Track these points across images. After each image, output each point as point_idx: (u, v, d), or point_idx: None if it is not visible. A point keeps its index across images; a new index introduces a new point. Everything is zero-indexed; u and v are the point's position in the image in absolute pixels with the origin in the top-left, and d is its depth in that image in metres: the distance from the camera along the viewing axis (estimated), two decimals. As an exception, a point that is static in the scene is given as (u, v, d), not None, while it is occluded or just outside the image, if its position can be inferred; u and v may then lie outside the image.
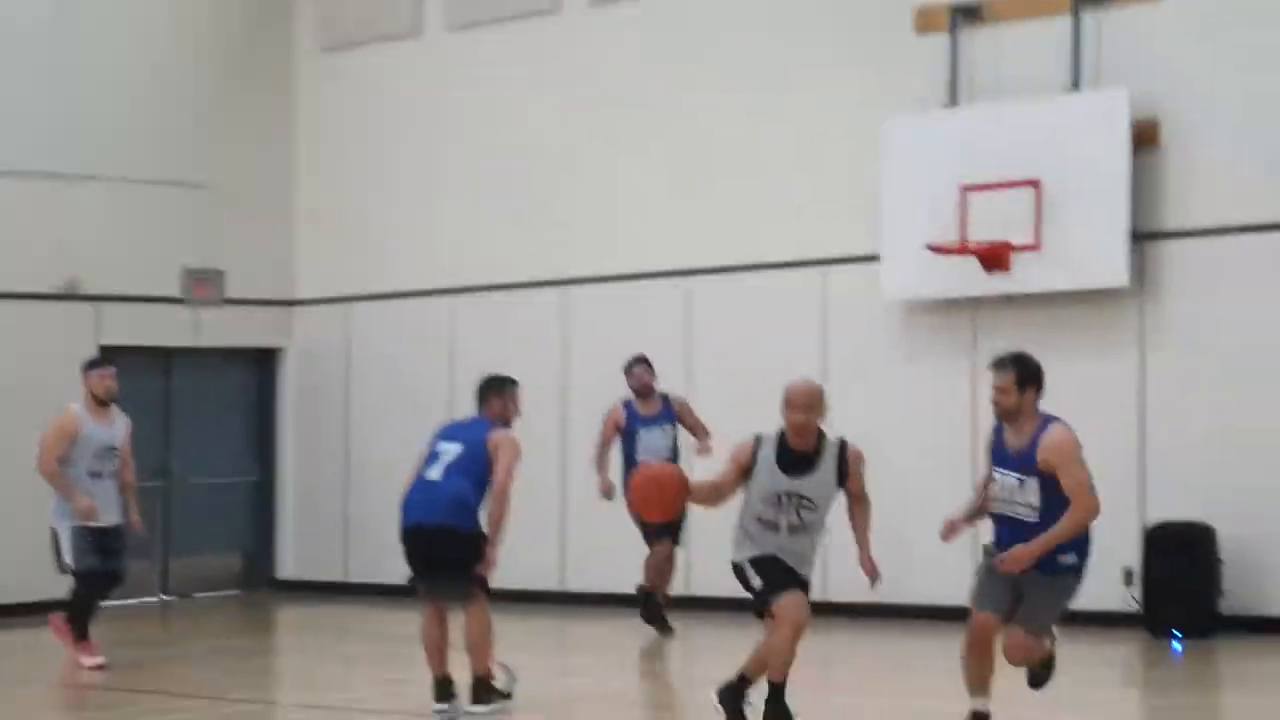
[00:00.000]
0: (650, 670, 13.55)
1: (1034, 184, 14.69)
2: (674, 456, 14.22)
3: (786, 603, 8.95)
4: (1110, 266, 14.35)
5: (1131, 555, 14.24)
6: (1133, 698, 11.88)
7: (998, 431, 9.12)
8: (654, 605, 14.61)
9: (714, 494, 9.23)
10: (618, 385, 16.88)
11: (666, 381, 16.73)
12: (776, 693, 9.05)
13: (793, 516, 9.05)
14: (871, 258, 15.56)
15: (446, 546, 10.86)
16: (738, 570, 9.20)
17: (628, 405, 14.64)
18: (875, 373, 15.66)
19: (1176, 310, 14.38)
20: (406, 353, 18.71)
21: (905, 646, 14.19)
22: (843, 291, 15.93)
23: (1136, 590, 14.02)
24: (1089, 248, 14.43)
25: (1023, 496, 8.90)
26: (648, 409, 14.55)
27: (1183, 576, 13.61)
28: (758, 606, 9.12)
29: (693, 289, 16.82)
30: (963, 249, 14.84)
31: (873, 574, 9.30)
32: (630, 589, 15.59)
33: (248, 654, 15.36)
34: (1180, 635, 13.76)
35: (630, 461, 14.39)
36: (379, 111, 19.12)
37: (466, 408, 17.20)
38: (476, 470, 10.88)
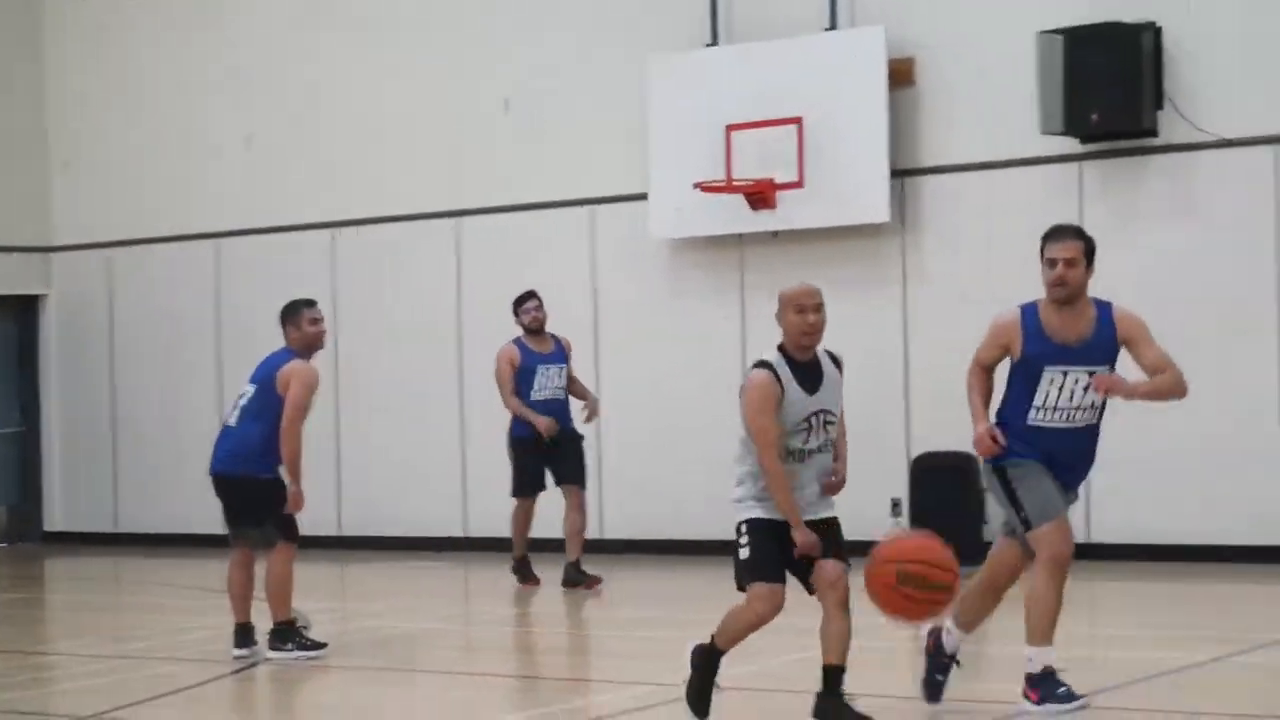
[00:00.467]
0: (442, 612, 13.69)
1: (796, 122, 15.00)
2: (566, 396, 13.91)
3: (760, 597, 7.92)
4: (872, 202, 14.73)
5: (899, 486, 14.71)
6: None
7: (1032, 326, 7.98)
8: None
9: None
10: (390, 328, 17.02)
11: (436, 323, 16.89)
12: (710, 651, 8.19)
13: (820, 437, 8.03)
14: (640, 197, 15.78)
15: (238, 495, 10.90)
16: (736, 530, 8.09)
17: (519, 343, 13.90)
18: (646, 311, 15.91)
19: (935, 244, 14.82)
20: (170, 298, 18.53)
21: (683, 581, 14.51)
22: (612, 230, 16.14)
23: (905, 519, 14.49)
24: (851, 184, 14.79)
25: (1088, 397, 7.90)
26: (541, 346, 13.89)
27: (949, 505, 14.03)
28: (737, 579, 8.07)
29: (462, 230, 16.90)
30: (729, 187, 15.12)
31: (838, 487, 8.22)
32: (401, 532, 15.77)
33: (31, 606, 15.22)
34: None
35: (524, 402, 13.75)
36: (133, 50, 18.82)
37: (234, 353, 17.28)
38: (269, 409, 10.81)
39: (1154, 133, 13.95)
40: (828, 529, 7.98)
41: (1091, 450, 8.01)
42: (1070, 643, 10.84)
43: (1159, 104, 13.93)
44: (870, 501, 14.63)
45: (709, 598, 13.56)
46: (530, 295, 14.02)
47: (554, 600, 13.44)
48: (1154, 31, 13.92)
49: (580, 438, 13.98)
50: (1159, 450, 13.86)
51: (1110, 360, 7.92)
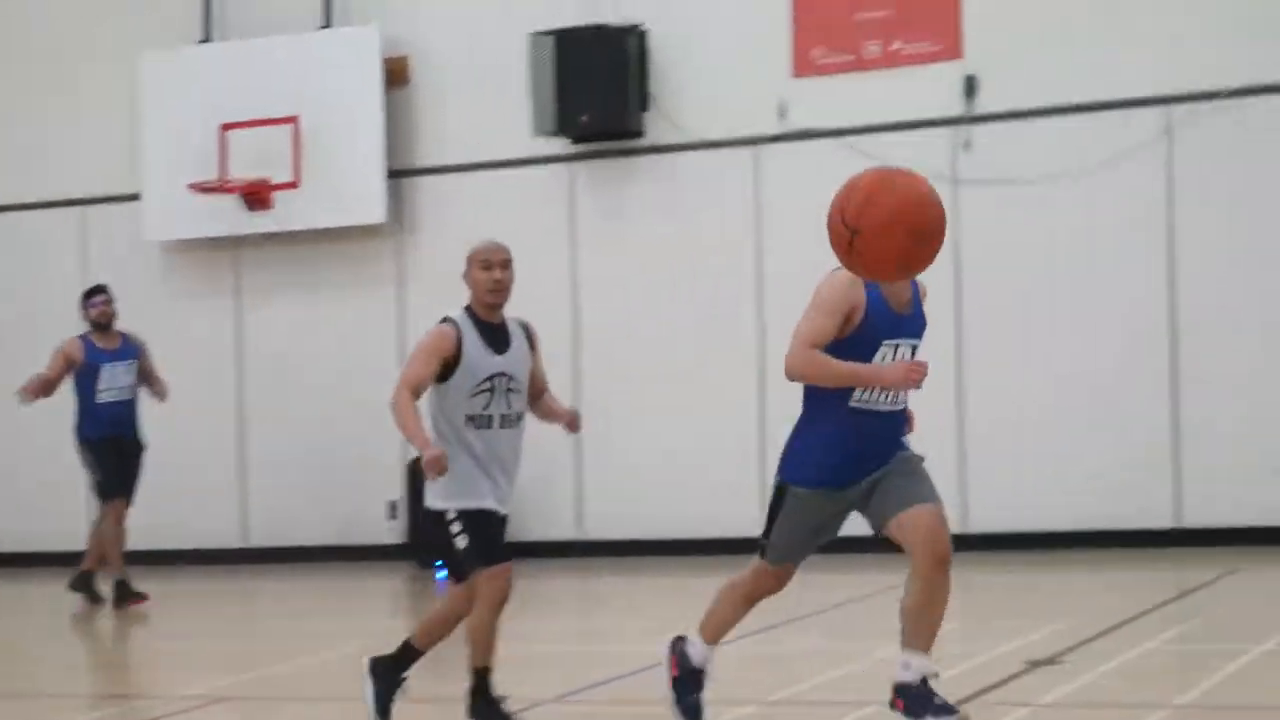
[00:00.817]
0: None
1: (292, 121, 14.97)
2: (136, 396, 13.13)
3: (495, 576, 7.50)
4: (368, 203, 14.80)
5: (395, 488, 14.92)
6: (399, 627, 12.42)
7: (873, 290, 6.63)
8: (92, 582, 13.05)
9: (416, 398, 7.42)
10: None
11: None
12: (483, 680, 7.62)
13: (503, 405, 7.60)
14: (132, 197, 15.50)
15: None
16: (436, 519, 7.52)
17: (85, 339, 13.04)
18: (140, 314, 15.52)
19: (430, 245, 14.97)
20: None
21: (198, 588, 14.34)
22: (104, 233, 15.82)
23: (401, 522, 14.62)
24: (347, 185, 14.83)
25: None
26: (108, 343, 13.05)
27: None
28: (456, 571, 7.58)
29: (-55, 232, 16.33)
30: (224, 187, 14.99)
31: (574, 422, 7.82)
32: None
33: None
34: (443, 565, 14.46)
35: (89, 402, 12.95)
36: None
37: None
38: None
39: (640, 134, 14.41)
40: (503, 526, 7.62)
41: (902, 430, 6.88)
42: (567, 639, 11.22)
43: (645, 106, 14.40)
44: (368, 503, 14.85)
45: (224, 602, 13.55)
46: (99, 290, 13.27)
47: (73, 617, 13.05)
48: (639, 35, 14.36)
49: (143, 449, 13.20)
50: (649, 449, 14.33)
51: (922, 333, 6.79)
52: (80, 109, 15.84)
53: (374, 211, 14.77)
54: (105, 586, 12.97)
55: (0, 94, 16.11)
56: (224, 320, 15.42)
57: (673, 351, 14.30)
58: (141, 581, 13.02)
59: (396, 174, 14.91)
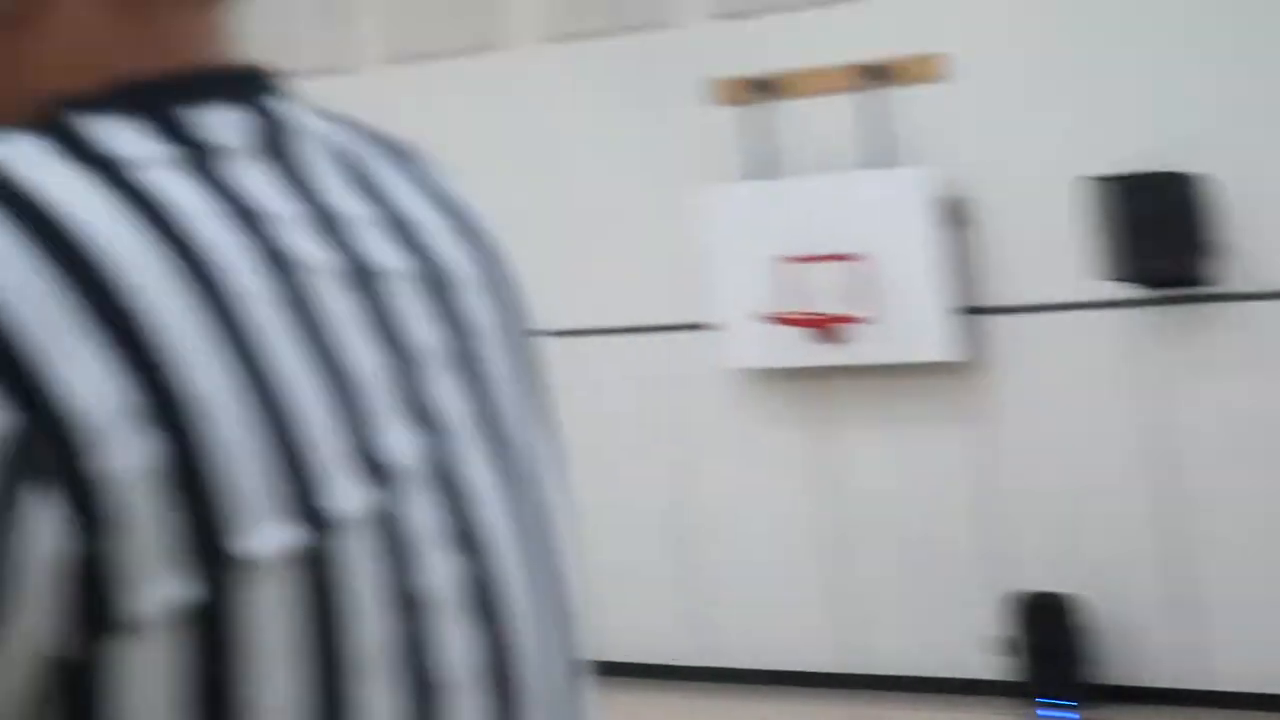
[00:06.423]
0: None
1: (857, 259, 15.43)
2: None
3: None
4: (937, 340, 15.14)
5: (991, 625, 14.97)
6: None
7: None
8: None
9: None
10: None
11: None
12: None
13: None
14: (696, 326, 16.13)
15: None
16: None
17: None
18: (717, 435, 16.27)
19: (1007, 383, 15.32)
20: None
21: None
22: (666, 358, 16.45)
23: (1013, 657, 14.57)
24: (914, 322, 15.19)
25: None
26: None
27: (1051, 645, 14.22)
28: None
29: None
30: (800, 320, 15.46)
31: None
32: None
33: None
34: (1051, 704, 14.09)
35: None
36: None
37: None
38: None
39: (1209, 282, 14.46)
40: None
41: None
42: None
43: (1214, 254, 14.48)
44: (965, 639, 14.81)
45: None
46: None
47: None
48: (1205, 182, 14.33)
49: None
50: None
51: None
52: (632, 240, 16.50)
53: (945, 349, 15.18)
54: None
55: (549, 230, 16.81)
56: (796, 447, 15.93)
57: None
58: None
59: (964, 311, 15.28)
